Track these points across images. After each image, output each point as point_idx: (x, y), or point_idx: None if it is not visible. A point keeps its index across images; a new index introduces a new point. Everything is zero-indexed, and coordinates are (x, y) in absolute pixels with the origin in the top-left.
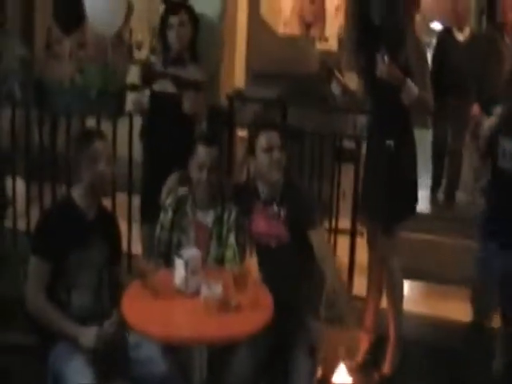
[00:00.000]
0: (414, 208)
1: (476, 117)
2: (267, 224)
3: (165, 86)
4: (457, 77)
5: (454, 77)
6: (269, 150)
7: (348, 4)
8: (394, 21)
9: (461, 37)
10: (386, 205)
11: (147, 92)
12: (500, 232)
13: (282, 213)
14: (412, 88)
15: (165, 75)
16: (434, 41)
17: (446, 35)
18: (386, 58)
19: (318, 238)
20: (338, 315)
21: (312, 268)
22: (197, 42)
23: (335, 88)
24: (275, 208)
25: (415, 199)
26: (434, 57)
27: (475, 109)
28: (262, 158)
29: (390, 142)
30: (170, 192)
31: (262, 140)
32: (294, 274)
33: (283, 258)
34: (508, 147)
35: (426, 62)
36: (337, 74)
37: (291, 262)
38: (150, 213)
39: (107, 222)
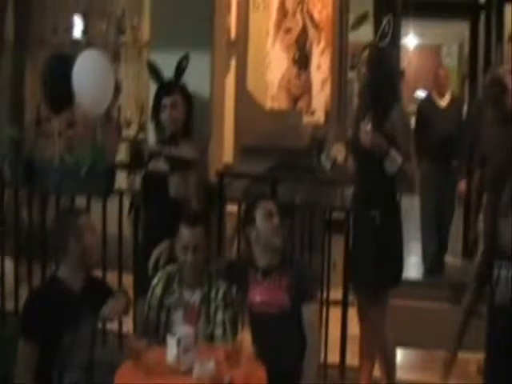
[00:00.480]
0: (399, 277)
1: (462, 193)
2: (267, 292)
3: (157, 166)
4: (440, 143)
5: (438, 143)
6: (269, 217)
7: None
8: (381, 92)
9: (442, 103)
10: (372, 275)
11: (139, 173)
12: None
13: (284, 280)
14: (396, 158)
15: (158, 154)
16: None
17: (426, 102)
18: (368, 126)
19: (309, 314)
20: None
21: None
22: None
23: (325, 161)
24: (276, 276)
25: (400, 269)
26: (416, 124)
27: (461, 185)
28: (263, 225)
29: (374, 212)
30: (158, 258)
31: (262, 209)
32: (294, 343)
33: (283, 326)
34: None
35: (410, 131)
36: (327, 146)
37: (292, 330)
38: (142, 289)
39: (95, 289)
